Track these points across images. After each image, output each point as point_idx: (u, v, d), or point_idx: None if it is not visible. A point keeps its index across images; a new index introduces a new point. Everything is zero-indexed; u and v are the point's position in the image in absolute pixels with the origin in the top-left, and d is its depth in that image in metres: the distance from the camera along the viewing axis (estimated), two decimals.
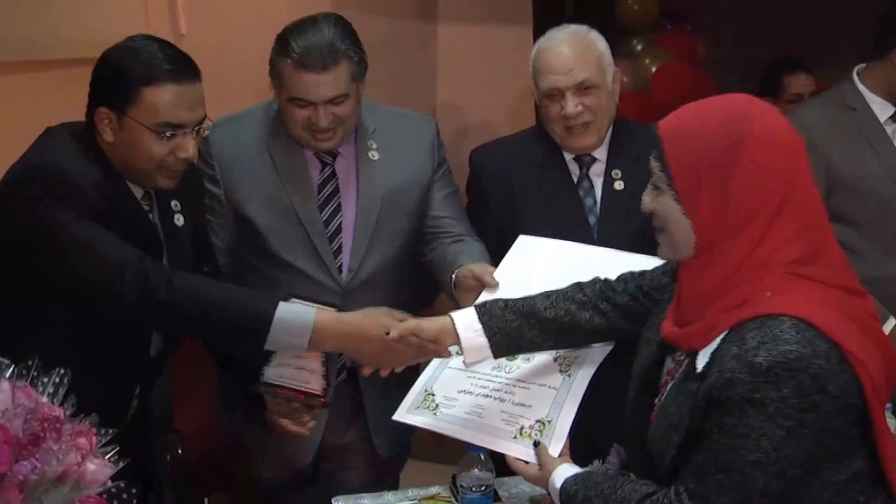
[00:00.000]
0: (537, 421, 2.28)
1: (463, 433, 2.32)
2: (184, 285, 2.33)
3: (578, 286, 2.35)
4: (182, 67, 2.39)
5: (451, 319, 2.31)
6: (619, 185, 2.97)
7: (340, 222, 2.93)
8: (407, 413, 2.41)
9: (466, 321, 2.30)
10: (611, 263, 2.58)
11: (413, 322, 2.34)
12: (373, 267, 2.91)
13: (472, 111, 4.38)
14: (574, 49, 2.92)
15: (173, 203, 2.58)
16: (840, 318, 1.80)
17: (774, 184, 1.82)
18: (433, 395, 2.41)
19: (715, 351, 1.85)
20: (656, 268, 2.33)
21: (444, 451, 3.22)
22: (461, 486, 2.38)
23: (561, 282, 2.54)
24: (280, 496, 3.11)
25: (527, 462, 2.20)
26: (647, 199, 1.95)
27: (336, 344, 2.40)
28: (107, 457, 1.77)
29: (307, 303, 2.43)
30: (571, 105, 2.88)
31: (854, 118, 3.40)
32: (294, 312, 2.36)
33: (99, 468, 1.73)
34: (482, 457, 2.38)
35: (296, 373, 2.37)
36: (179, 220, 2.58)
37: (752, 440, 1.75)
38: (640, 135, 3.03)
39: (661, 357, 2.06)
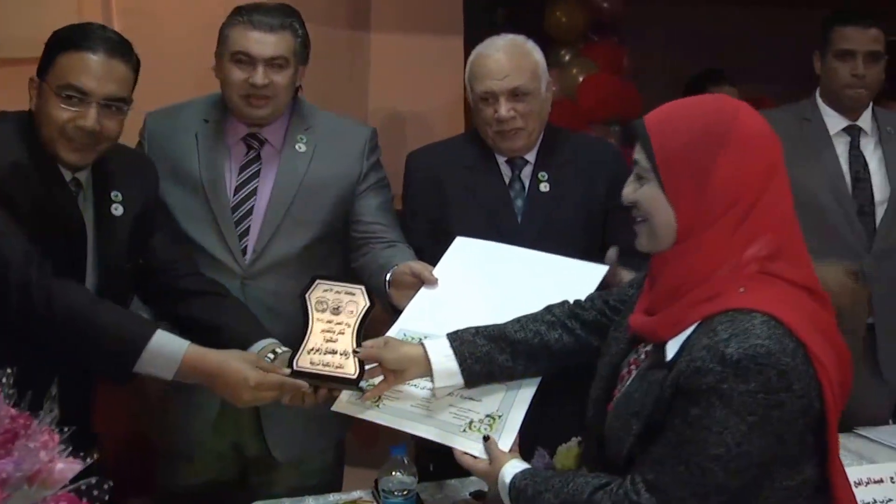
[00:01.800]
0: (487, 416, 2.27)
1: (408, 426, 2.29)
2: (62, 302, 2.34)
3: (548, 308, 2.38)
4: (102, 41, 2.44)
5: (424, 347, 2.29)
6: (544, 187, 3.03)
7: (253, 206, 2.95)
8: (347, 404, 2.36)
9: (438, 347, 2.29)
10: (546, 266, 2.65)
11: (374, 352, 2.31)
12: (277, 254, 2.93)
13: (403, 119, 4.39)
14: (511, 56, 2.99)
15: (114, 193, 2.59)
16: (806, 319, 1.83)
17: (754, 174, 1.87)
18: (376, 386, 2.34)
19: (685, 341, 1.86)
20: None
21: (370, 455, 3.23)
22: (383, 490, 2.38)
23: (497, 283, 2.61)
24: (205, 501, 3.09)
25: (475, 457, 2.19)
26: (629, 191, 1.98)
27: (200, 379, 2.42)
28: (67, 454, 1.70)
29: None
30: (504, 109, 2.94)
31: (807, 128, 3.57)
32: (166, 344, 2.39)
33: (67, 466, 1.68)
34: (405, 461, 2.38)
35: (327, 358, 2.33)
36: (117, 209, 2.59)
37: (716, 433, 1.77)
38: (570, 141, 3.13)
39: (627, 352, 2.07)
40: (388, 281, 2.77)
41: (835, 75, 3.60)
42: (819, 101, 3.65)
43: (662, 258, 1.95)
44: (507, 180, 3.06)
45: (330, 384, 2.35)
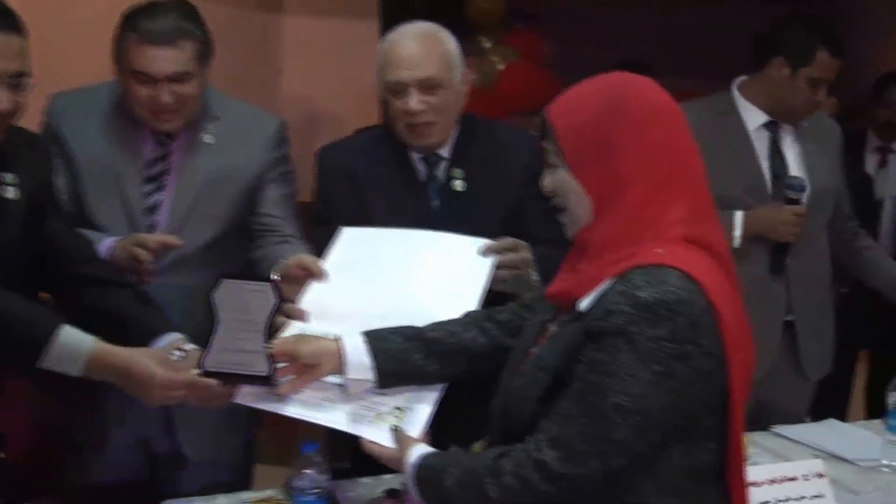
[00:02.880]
0: (395, 408, 2.25)
1: (314, 416, 2.25)
2: None
3: (466, 313, 2.38)
4: None
5: (339, 340, 2.26)
6: (460, 185, 2.93)
7: (161, 200, 2.90)
8: (250, 395, 2.31)
9: (354, 342, 2.26)
10: (437, 244, 2.63)
11: (288, 347, 2.26)
12: (183, 250, 2.83)
13: (316, 105, 4.37)
14: (421, 45, 2.87)
15: (9, 176, 2.50)
16: (719, 286, 1.86)
17: (653, 144, 1.91)
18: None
19: (600, 295, 1.88)
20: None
21: (282, 453, 3.17)
22: (295, 487, 2.34)
23: (391, 268, 2.56)
24: (115, 500, 3.01)
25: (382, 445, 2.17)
26: (546, 182, 2.01)
27: (109, 376, 2.38)
28: None
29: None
30: (414, 101, 2.83)
31: (721, 123, 3.46)
32: (72, 340, 2.34)
33: None
34: (317, 458, 2.34)
35: (237, 356, 2.27)
36: (9, 192, 2.50)
37: (620, 379, 1.78)
38: (486, 132, 3.03)
39: (540, 334, 2.07)
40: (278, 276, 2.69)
41: (798, 96, 3.44)
42: (737, 94, 3.54)
43: (584, 233, 1.98)
44: (422, 178, 2.96)
45: (241, 383, 2.31)
